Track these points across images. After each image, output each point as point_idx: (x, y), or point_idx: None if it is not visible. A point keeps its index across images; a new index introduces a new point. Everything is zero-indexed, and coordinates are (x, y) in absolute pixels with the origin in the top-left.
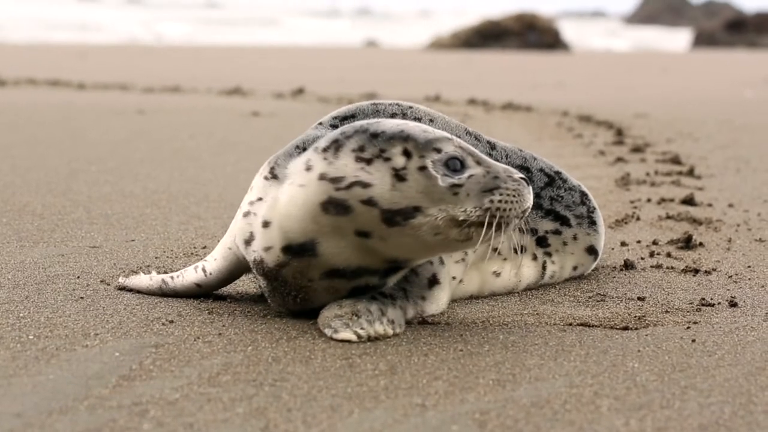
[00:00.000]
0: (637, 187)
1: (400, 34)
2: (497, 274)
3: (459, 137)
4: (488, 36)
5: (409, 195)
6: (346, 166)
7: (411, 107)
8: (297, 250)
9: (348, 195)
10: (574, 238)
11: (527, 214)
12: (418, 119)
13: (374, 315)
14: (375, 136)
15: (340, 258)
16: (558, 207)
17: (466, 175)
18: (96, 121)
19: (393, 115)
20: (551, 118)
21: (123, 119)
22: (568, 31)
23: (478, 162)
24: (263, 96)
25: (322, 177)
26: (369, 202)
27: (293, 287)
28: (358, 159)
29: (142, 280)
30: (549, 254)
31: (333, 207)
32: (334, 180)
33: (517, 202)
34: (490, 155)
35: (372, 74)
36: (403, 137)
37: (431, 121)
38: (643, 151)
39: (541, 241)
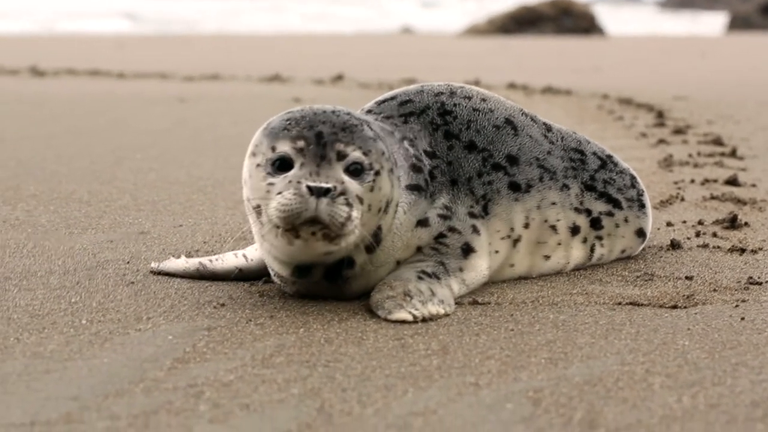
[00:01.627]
0: (680, 168)
1: (435, 20)
2: (547, 257)
3: (513, 118)
4: (524, 21)
5: (254, 191)
6: (245, 163)
7: (462, 87)
8: None
9: (243, 191)
10: (626, 220)
11: (326, 222)
12: (469, 98)
13: (425, 295)
14: (262, 130)
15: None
16: (611, 190)
17: (281, 176)
18: (137, 110)
19: (438, 94)
20: (591, 102)
21: (164, 108)
22: (603, 15)
23: (302, 165)
24: (303, 83)
25: None
26: (247, 198)
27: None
28: (249, 155)
29: (177, 264)
30: (600, 237)
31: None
32: (243, 179)
33: (288, 209)
34: (546, 137)
35: (410, 60)
36: (263, 134)
37: (483, 100)
38: (684, 132)
39: (595, 223)
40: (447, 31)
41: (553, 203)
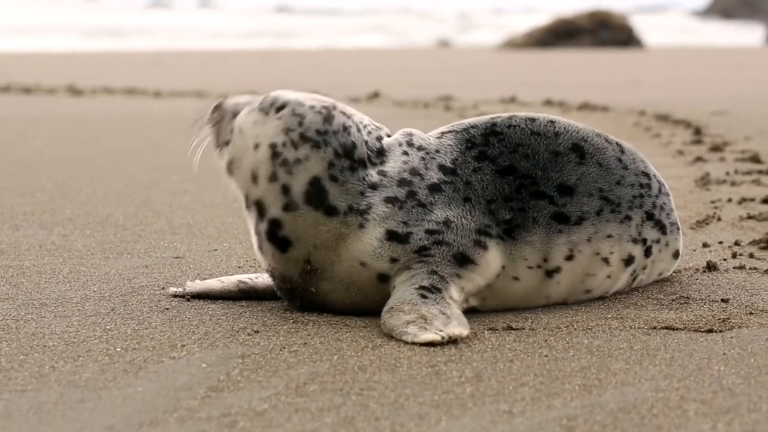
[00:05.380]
0: (717, 187)
1: (472, 34)
2: (588, 291)
3: (583, 143)
4: (561, 35)
5: None
6: None
7: (531, 113)
8: None
9: None
10: (666, 245)
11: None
12: (533, 120)
13: (441, 319)
14: None
15: None
16: (662, 216)
17: None
18: (174, 130)
19: (496, 117)
20: (628, 118)
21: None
22: (641, 27)
23: None
24: (338, 100)
25: None
26: None
27: None
28: None
29: (211, 284)
30: (645, 267)
31: None
32: None
33: None
34: (620, 161)
35: (446, 76)
36: None
37: (551, 122)
38: (722, 150)
39: (648, 252)
40: (484, 44)
41: (609, 236)
